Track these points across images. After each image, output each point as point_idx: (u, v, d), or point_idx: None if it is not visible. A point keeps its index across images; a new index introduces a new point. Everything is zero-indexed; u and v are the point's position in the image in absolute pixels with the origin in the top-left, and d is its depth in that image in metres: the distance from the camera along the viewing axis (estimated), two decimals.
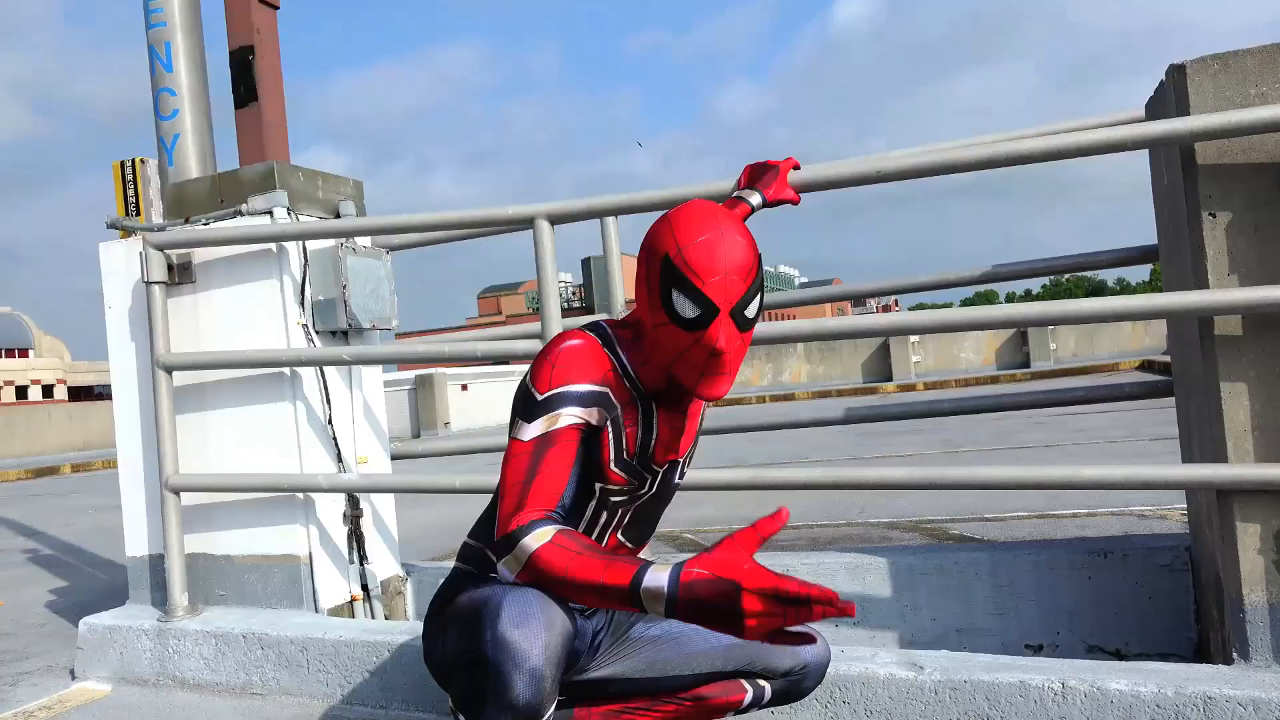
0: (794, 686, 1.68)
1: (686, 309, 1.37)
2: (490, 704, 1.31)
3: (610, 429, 1.48)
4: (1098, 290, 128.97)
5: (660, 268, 1.39)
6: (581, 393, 1.42)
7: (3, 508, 9.13)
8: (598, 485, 1.52)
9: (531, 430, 1.40)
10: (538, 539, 1.31)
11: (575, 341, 1.46)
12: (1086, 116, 2.48)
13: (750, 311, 1.41)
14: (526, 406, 1.42)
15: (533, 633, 1.30)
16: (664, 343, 1.42)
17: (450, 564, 2.89)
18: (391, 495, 3.13)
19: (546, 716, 1.33)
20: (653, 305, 1.42)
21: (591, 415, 1.44)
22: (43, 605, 4.16)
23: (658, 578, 1.22)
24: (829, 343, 20.12)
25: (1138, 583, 2.38)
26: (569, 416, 1.40)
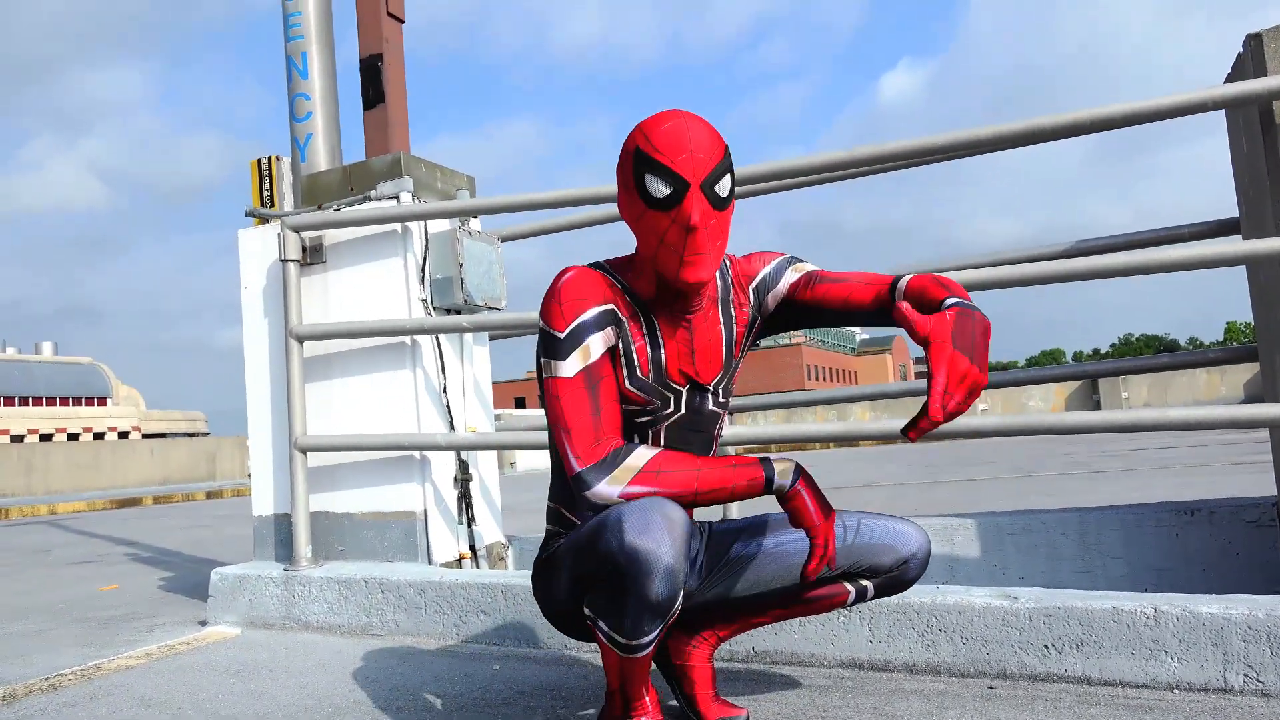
0: (897, 581, 1.73)
1: (659, 188, 1.43)
2: (631, 609, 1.40)
3: (621, 346, 1.56)
4: (1170, 348, 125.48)
5: (632, 160, 1.47)
6: (595, 315, 1.51)
7: (98, 528, 9.56)
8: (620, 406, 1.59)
9: (570, 366, 1.48)
10: (648, 449, 1.45)
11: (570, 274, 1.54)
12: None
13: (721, 189, 1.46)
14: (552, 346, 1.49)
15: (659, 535, 1.36)
16: (646, 235, 1.48)
17: None
18: (496, 470, 3.32)
19: (678, 605, 1.43)
20: (631, 202, 1.50)
21: (609, 336, 1.53)
22: (155, 588, 4.42)
23: (781, 466, 1.49)
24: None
25: (1226, 540, 2.44)
26: (597, 344, 1.49)
